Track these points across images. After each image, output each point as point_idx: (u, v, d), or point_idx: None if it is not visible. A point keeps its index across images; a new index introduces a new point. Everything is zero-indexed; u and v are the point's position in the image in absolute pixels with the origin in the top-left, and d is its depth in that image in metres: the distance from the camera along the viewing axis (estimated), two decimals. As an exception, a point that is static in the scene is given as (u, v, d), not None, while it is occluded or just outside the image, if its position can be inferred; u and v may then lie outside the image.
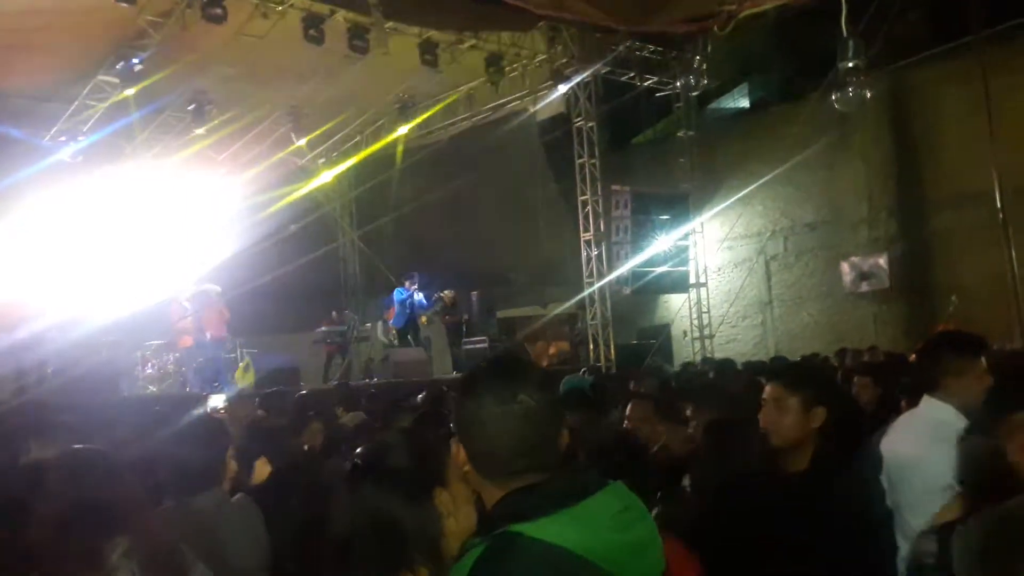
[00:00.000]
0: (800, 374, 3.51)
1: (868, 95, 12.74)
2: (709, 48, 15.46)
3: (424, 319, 15.60)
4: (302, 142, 16.51)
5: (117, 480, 2.44)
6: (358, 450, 2.56)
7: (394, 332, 15.58)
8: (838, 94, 12.86)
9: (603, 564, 1.64)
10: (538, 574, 1.62)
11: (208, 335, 13.63)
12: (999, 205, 13.57)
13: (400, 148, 17.13)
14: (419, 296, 15.37)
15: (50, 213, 14.10)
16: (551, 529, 1.64)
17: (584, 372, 10.73)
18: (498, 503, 1.76)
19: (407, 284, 15.43)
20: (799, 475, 2.98)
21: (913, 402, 3.50)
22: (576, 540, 1.63)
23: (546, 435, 1.78)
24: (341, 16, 12.18)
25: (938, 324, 11.73)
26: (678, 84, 16.34)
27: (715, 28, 13.65)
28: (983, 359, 3.22)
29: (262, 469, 3.91)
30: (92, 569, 2.20)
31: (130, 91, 12.61)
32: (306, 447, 5.05)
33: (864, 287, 15.69)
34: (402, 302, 15.37)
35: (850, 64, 12.35)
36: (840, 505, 2.85)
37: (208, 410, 6.40)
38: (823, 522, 2.74)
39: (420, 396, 7.87)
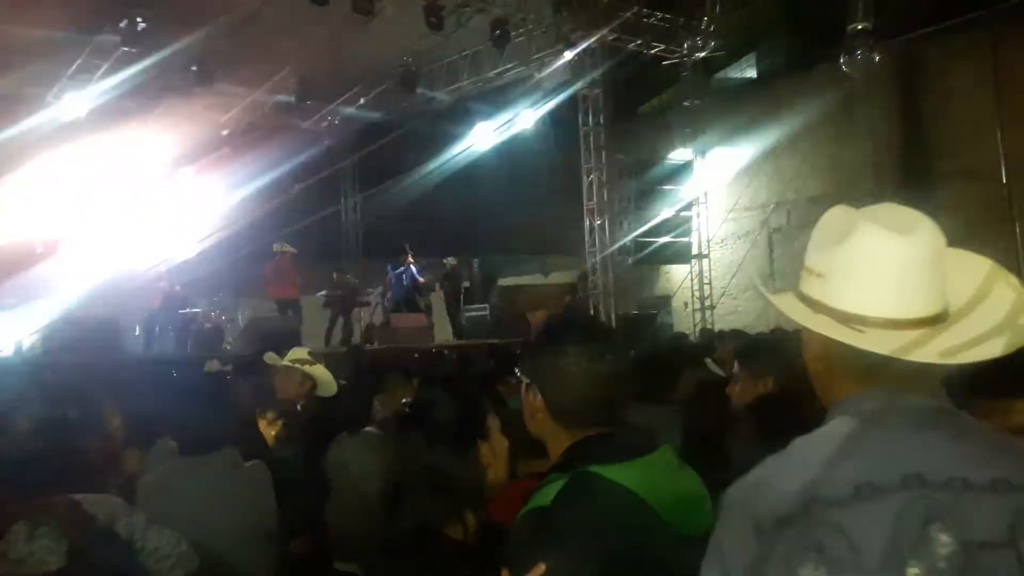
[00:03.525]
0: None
1: (876, 59, 12.60)
2: (716, 13, 15.33)
3: (423, 281, 15.68)
4: (306, 104, 16.47)
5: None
6: (407, 404, 2.80)
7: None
8: (846, 57, 12.71)
9: (663, 512, 1.78)
10: (612, 511, 1.75)
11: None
12: (1004, 181, 13.54)
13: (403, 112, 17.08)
14: (412, 270, 15.47)
15: (54, 170, 14.08)
16: (625, 473, 1.78)
17: None
18: (573, 446, 1.90)
19: (403, 259, 15.47)
20: None
21: None
22: (645, 487, 1.78)
23: (621, 393, 1.96)
24: (347, -23, 12.08)
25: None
26: (685, 48, 16.19)
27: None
28: None
29: None
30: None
31: (133, 50, 12.53)
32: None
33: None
34: (398, 275, 15.44)
35: (859, 26, 12.19)
36: None
37: (213, 372, 6.37)
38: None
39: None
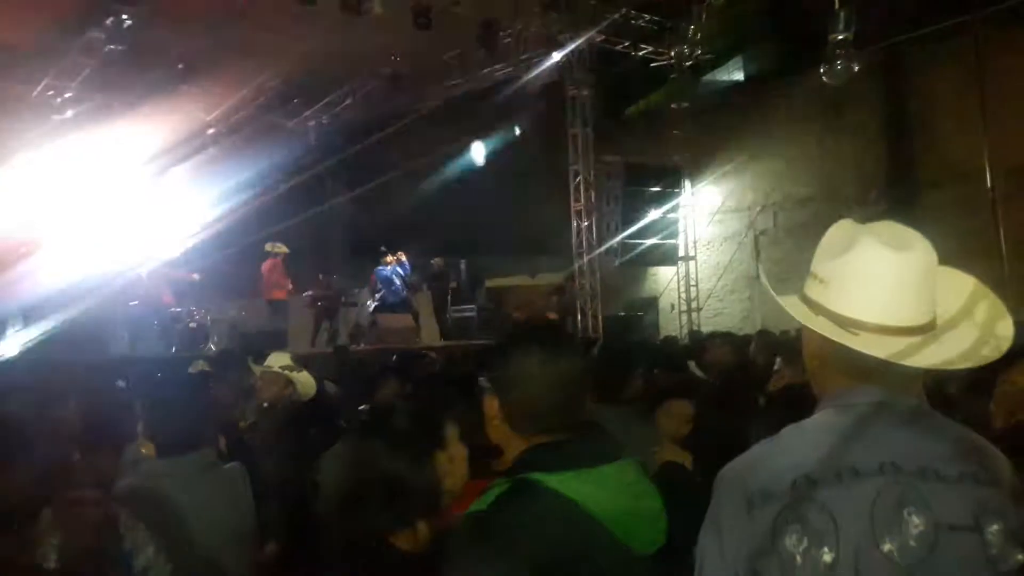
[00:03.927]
0: None
1: (856, 68, 12.67)
2: (704, 16, 15.34)
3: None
4: (292, 103, 16.41)
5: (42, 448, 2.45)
6: (363, 410, 2.73)
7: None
8: (826, 67, 12.81)
9: (609, 525, 1.78)
10: (548, 520, 1.75)
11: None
12: (990, 184, 13.60)
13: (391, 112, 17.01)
14: (399, 271, 15.44)
15: (39, 168, 13.99)
16: (568, 483, 1.78)
17: None
18: (524, 453, 1.90)
19: (389, 260, 15.43)
20: None
21: None
22: (589, 498, 1.77)
23: (577, 398, 1.96)
24: (335, -24, 12.04)
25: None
26: (672, 54, 16.22)
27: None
28: None
29: None
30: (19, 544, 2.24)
31: (119, 47, 12.46)
32: None
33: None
34: (388, 279, 15.37)
35: (840, 36, 12.29)
36: None
37: (195, 371, 6.34)
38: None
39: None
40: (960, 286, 1.72)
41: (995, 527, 1.53)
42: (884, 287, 1.60)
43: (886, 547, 1.49)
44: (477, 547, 1.76)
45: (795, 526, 1.51)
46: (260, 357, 5.36)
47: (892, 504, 1.51)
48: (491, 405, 1.97)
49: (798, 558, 1.50)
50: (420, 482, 2.15)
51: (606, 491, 1.79)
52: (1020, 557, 1.54)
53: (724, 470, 1.65)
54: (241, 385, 5.10)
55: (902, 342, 1.59)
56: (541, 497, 1.77)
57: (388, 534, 2.09)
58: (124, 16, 11.99)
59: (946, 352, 1.60)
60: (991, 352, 1.61)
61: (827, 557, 1.49)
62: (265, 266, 14.40)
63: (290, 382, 5.06)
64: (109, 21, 12.17)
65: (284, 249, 14.52)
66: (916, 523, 1.51)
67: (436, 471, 2.23)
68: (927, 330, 1.62)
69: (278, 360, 5.15)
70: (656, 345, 10.01)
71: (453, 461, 2.33)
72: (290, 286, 14.71)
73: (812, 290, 1.69)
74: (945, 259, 1.67)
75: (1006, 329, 1.65)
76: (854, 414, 1.62)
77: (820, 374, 1.73)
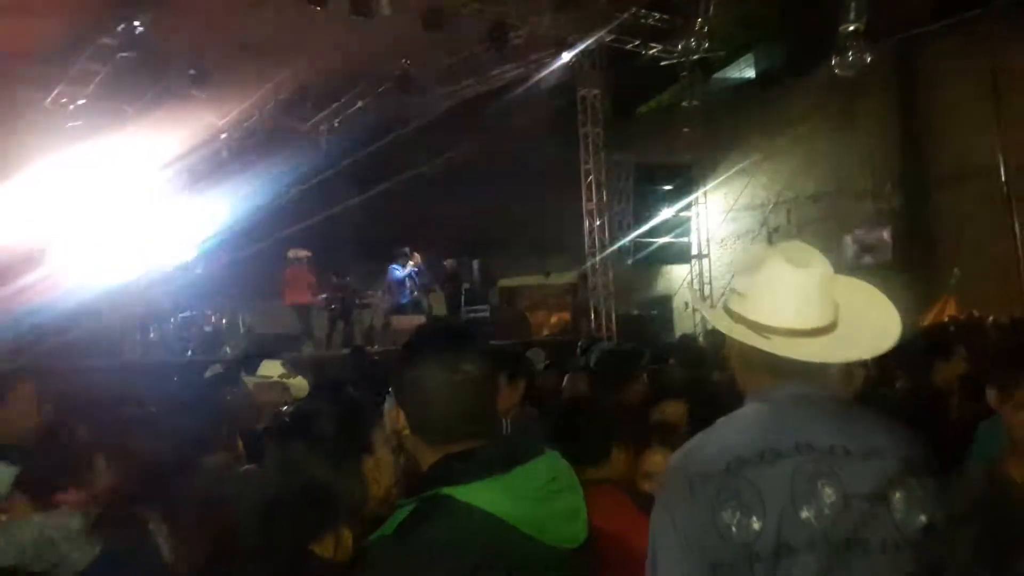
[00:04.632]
0: None
1: (868, 59, 12.59)
2: (711, 10, 15.28)
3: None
4: (304, 106, 16.44)
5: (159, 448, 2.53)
6: (284, 414, 2.71)
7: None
8: (838, 58, 12.71)
9: (526, 528, 1.75)
10: (462, 535, 1.71)
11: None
12: (1003, 180, 13.53)
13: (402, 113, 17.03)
14: (413, 274, 15.47)
15: (51, 175, 14.06)
16: (479, 494, 1.73)
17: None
18: (432, 466, 1.84)
19: (402, 261, 15.45)
20: None
21: None
22: (501, 506, 1.73)
23: (484, 404, 1.90)
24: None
25: (940, 298, 11.72)
26: (682, 49, 16.15)
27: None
28: None
29: None
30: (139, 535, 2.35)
31: (131, 54, 12.51)
32: None
33: (867, 260, 15.64)
34: (400, 281, 15.39)
35: (851, 27, 12.20)
36: None
37: (208, 377, 6.37)
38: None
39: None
40: (857, 292, 2.02)
41: (898, 495, 1.79)
42: (789, 296, 1.88)
43: (804, 514, 1.75)
44: (387, 571, 1.73)
45: (731, 502, 1.76)
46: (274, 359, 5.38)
47: (807, 478, 1.77)
48: (397, 416, 1.93)
49: (733, 528, 1.75)
50: (343, 488, 2.08)
51: (518, 495, 1.76)
52: (922, 519, 1.80)
53: (671, 458, 1.93)
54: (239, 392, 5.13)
55: (809, 343, 1.87)
56: (451, 512, 1.72)
57: (310, 541, 2.03)
58: (136, 23, 12.04)
59: (846, 348, 1.90)
60: (882, 344, 1.91)
61: (756, 525, 1.74)
62: (289, 272, 14.45)
63: (286, 388, 5.07)
64: (121, 28, 12.23)
65: (306, 253, 14.59)
66: (828, 493, 1.77)
67: (362, 477, 2.16)
68: (829, 331, 1.90)
69: (270, 369, 5.14)
70: (670, 344, 9.99)
71: (380, 467, 2.24)
72: (317, 289, 14.75)
73: (733, 302, 1.97)
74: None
75: (895, 326, 1.94)
76: (774, 405, 1.89)
77: (744, 374, 2.01)
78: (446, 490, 1.74)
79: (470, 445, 1.83)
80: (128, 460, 2.59)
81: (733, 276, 2.02)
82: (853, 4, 11.83)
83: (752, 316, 1.91)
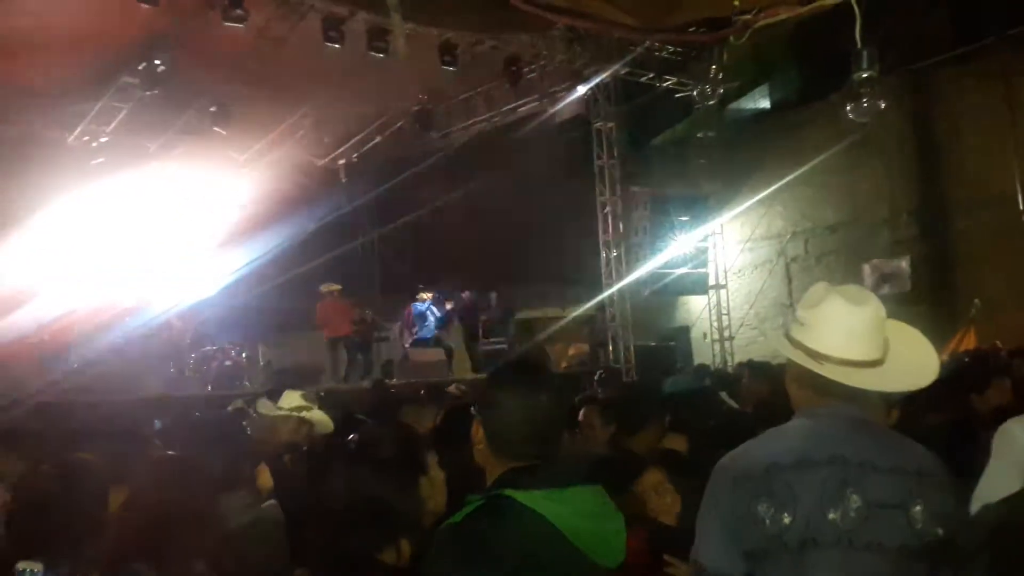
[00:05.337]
0: None
1: (882, 105, 12.59)
2: (725, 57, 15.34)
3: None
4: (323, 142, 16.60)
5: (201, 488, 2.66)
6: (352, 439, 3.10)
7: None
8: (852, 105, 12.74)
9: (573, 538, 2.00)
10: (518, 532, 1.97)
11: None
12: (1021, 207, 13.49)
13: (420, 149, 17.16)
14: (433, 308, 15.52)
15: (74, 211, 14.23)
16: (537, 500, 1.99)
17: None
18: (500, 475, 2.11)
19: (425, 296, 15.53)
20: None
21: None
22: (556, 514, 1.99)
23: (553, 430, 2.20)
24: (361, 18, 12.22)
25: (960, 328, 11.64)
26: (696, 84, 16.23)
27: (731, 38, 13.55)
28: None
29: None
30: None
31: (153, 92, 12.68)
32: None
33: (885, 290, 15.56)
34: (422, 314, 15.45)
35: (864, 75, 12.23)
36: None
37: (231, 411, 6.39)
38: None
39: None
40: (904, 334, 2.29)
41: (918, 507, 2.02)
42: (844, 331, 2.16)
43: (831, 515, 2.01)
44: (451, 555, 1.97)
45: (765, 498, 2.04)
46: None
47: (837, 485, 2.03)
48: (476, 431, 2.19)
49: (767, 520, 2.02)
50: (403, 504, 2.40)
51: (571, 509, 2.01)
52: (939, 531, 2.02)
53: (720, 460, 2.19)
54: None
55: (857, 372, 2.14)
56: (511, 511, 1.98)
57: (375, 551, 2.32)
58: (157, 61, 12.22)
59: (889, 381, 2.16)
60: (921, 381, 2.18)
61: (786, 520, 2.01)
62: (327, 306, 14.53)
63: (304, 422, 4.95)
64: (143, 67, 12.41)
65: (336, 287, 14.70)
66: (855, 500, 2.02)
67: (418, 494, 2.51)
68: (876, 364, 2.17)
69: (289, 400, 5.00)
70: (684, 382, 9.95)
71: (434, 485, 2.62)
72: (350, 320, 14.78)
73: (794, 330, 2.24)
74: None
75: (934, 365, 2.24)
76: (816, 421, 2.18)
77: (796, 393, 2.29)
78: (509, 491, 2.00)
79: (532, 463, 2.10)
80: (147, 510, 2.64)
81: (796, 308, 2.28)
82: (864, 52, 11.85)
83: (810, 344, 2.18)
